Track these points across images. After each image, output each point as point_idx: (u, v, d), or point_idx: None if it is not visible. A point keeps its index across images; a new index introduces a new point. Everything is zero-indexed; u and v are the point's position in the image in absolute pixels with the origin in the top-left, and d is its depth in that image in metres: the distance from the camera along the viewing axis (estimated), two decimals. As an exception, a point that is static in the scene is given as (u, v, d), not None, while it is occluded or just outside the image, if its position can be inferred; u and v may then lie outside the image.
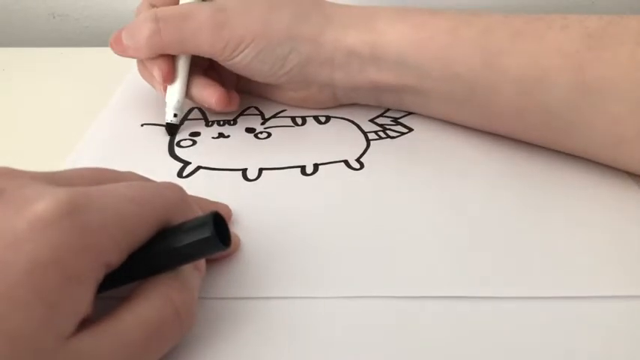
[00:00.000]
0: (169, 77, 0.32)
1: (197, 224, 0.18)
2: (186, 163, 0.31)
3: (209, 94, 0.33)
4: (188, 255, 0.19)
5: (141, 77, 0.40)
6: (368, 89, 0.34)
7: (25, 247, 0.15)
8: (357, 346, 0.21)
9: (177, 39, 0.30)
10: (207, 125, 0.35)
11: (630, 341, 0.21)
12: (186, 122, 0.35)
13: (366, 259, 0.25)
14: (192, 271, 0.20)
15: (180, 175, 0.30)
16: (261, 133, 0.34)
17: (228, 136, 0.34)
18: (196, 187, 0.29)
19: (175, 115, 0.32)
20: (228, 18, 0.30)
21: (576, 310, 0.22)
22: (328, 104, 0.36)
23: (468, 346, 0.21)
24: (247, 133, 0.34)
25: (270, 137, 0.34)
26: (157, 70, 0.32)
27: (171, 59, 0.32)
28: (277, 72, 0.32)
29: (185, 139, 0.34)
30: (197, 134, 0.34)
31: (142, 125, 0.35)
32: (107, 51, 0.46)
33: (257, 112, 0.37)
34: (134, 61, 0.42)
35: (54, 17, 0.51)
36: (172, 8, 0.31)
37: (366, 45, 0.31)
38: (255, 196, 0.29)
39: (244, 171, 0.30)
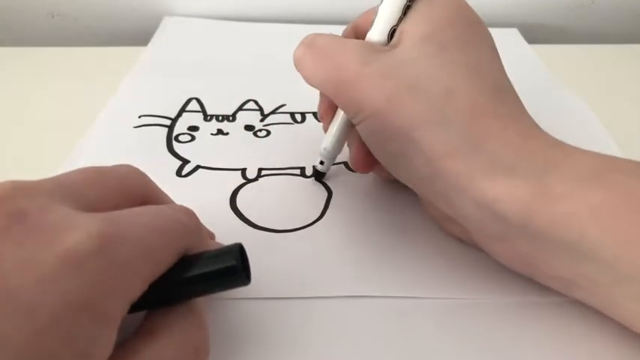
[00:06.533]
0: (322, 116, 0.27)
1: (222, 253, 0.18)
2: (185, 162, 0.31)
3: (351, 148, 0.26)
4: (209, 285, 0.18)
5: (140, 77, 0.40)
6: (513, 258, 0.22)
7: (55, 287, 0.14)
8: (357, 345, 0.21)
9: (313, 74, 0.24)
10: (205, 119, 0.35)
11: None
12: (184, 114, 0.35)
13: (366, 260, 0.25)
14: (203, 302, 0.19)
15: (179, 174, 0.30)
16: (260, 131, 0.34)
17: (227, 134, 0.34)
18: (195, 186, 0.29)
19: (322, 163, 0.28)
20: (364, 76, 0.22)
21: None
22: (464, 239, 0.25)
23: (467, 346, 0.21)
24: (246, 131, 0.34)
25: (270, 135, 0.33)
26: (319, 101, 0.27)
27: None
28: (390, 169, 0.24)
29: (183, 134, 0.33)
30: (195, 129, 0.34)
31: (139, 117, 0.35)
32: (107, 51, 0.47)
33: (256, 107, 0.36)
34: (134, 61, 0.42)
35: (53, 17, 0.51)
36: (330, 39, 0.24)
37: (520, 206, 0.19)
38: (255, 197, 0.28)
39: (243, 171, 0.30)
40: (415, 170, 0.21)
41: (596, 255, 0.18)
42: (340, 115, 0.26)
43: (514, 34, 0.48)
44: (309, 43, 0.24)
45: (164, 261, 0.17)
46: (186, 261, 0.18)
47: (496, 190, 0.20)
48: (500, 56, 0.23)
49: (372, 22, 0.24)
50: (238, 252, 0.18)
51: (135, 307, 0.16)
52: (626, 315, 0.20)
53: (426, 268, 0.24)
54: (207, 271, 0.18)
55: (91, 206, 0.17)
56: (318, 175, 0.29)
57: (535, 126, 0.22)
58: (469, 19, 0.23)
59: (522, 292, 0.23)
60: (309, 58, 0.24)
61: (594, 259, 0.19)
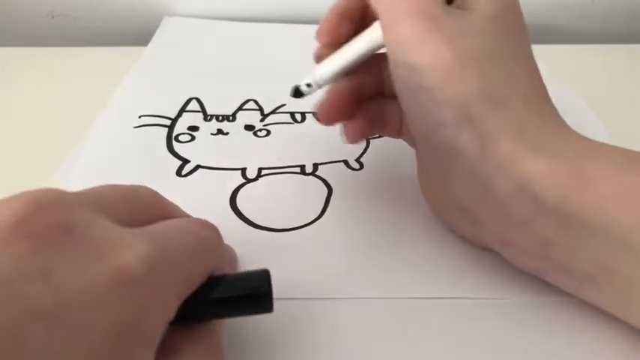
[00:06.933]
0: (321, 32, 0.25)
1: (252, 277, 0.18)
2: (185, 162, 0.31)
3: (329, 93, 0.25)
4: (235, 309, 0.18)
5: (140, 77, 0.40)
6: (530, 248, 0.21)
7: (106, 305, 0.14)
8: (358, 346, 0.21)
9: None
10: (205, 119, 0.35)
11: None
12: (184, 114, 0.35)
13: (365, 259, 0.25)
14: (223, 324, 0.19)
15: (179, 173, 0.30)
16: (260, 130, 0.34)
17: (227, 134, 0.34)
18: (195, 186, 0.29)
19: (309, 86, 0.26)
20: (443, 20, 0.21)
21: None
22: (467, 236, 0.25)
23: (469, 346, 0.21)
24: (246, 131, 0.34)
25: (270, 135, 0.33)
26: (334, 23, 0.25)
27: (345, 23, 0.24)
28: (424, 135, 0.23)
29: (183, 134, 0.33)
30: (195, 129, 0.34)
31: (139, 117, 0.35)
32: (107, 51, 0.47)
33: (256, 107, 0.36)
34: (134, 61, 0.42)
35: (53, 17, 0.51)
36: None
37: (556, 188, 0.20)
38: (255, 196, 0.28)
39: (243, 170, 0.30)
40: (459, 143, 0.21)
41: (624, 241, 0.19)
42: (366, 40, 0.23)
43: (514, 34, 0.48)
44: None
45: (196, 281, 0.17)
46: (212, 282, 0.18)
47: (538, 170, 0.20)
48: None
49: None
50: (268, 279, 0.17)
51: None
52: (637, 314, 0.20)
53: (427, 268, 0.24)
54: (236, 295, 0.17)
55: (123, 222, 0.17)
56: (298, 94, 0.26)
57: (564, 121, 0.22)
58: (520, 10, 0.23)
59: (524, 292, 0.23)
60: None
61: (621, 246, 0.19)
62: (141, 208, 0.19)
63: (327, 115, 0.25)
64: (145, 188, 0.20)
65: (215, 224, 0.23)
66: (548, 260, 0.21)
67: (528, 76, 0.22)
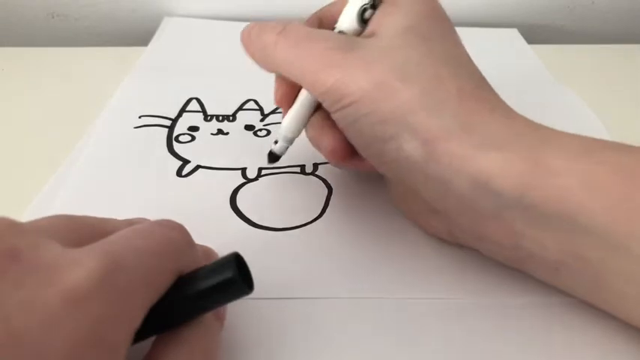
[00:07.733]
0: (281, 100, 0.26)
1: (218, 266, 0.17)
2: (185, 162, 0.31)
3: (325, 139, 0.25)
4: (210, 301, 0.17)
5: (140, 77, 0.40)
6: (502, 240, 0.21)
7: (61, 328, 0.14)
8: (357, 346, 0.21)
9: (287, 60, 0.23)
10: (205, 119, 0.35)
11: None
12: (184, 115, 0.35)
13: (366, 259, 0.25)
14: (214, 322, 0.19)
15: (179, 174, 0.30)
16: (260, 130, 0.34)
17: (228, 133, 0.34)
18: (195, 186, 0.29)
19: (276, 142, 0.27)
20: (347, 61, 0.22)
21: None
22: (443, 236, 0.25)
23: (465, 347, 0.21)
24: (246, 131, 0.34)
25: (270, 135, 0.33)
26: (275, 88, 0.27)
27: (292, 83, 0.25)
28: (375, 157, 0.23)
29: (183, 134, 0.33)
30: (196, 129, 0.34)
31: (139, 117, 0.35)
32: (106, 51, 0.47)
33: (256, 107, 0.36)
34: (134, 61, 0.42)
35: (53, 17, 0.51)
36: (303, 27, 0.24)
37: (514, 181, 0.19)
38: (255, 196, 0.28)
39: (244, 170, 0.30)
40: (406, 154, 0.21)
41: (589, 228, 0.19)
42: (302, 98, 0.25)
43: (514, 34, 0.48)
44: (280, 29, 0.24)
45: (163, 284, 0.17)
46: (183, 280, 0.17)
47: (491, 166, 0.20)
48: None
49: (342, 12, 0.24)
50: (234, 263, 0.17)
51: (139, 334, 0.16)
52: (613, 299, 0.20)
53: (427, 268, 0.24)
54: (206, 287, 0.17)
55: (70, 243, 0.16)
56: (273, 158, 0.28)
57: (514, 111, 0.22)
58: (442, 15, 0.24)
59: (519, 292, 0.23)
60: (283, 45, 0.23)
61: (587, 233, 0.19)
62: (87, 229, 0.19)
63: (338, 157, 0.25)
64: (118, 221, 0.20)
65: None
66: (522, 250, 0.21)
67: (461, 72, 0.22)
